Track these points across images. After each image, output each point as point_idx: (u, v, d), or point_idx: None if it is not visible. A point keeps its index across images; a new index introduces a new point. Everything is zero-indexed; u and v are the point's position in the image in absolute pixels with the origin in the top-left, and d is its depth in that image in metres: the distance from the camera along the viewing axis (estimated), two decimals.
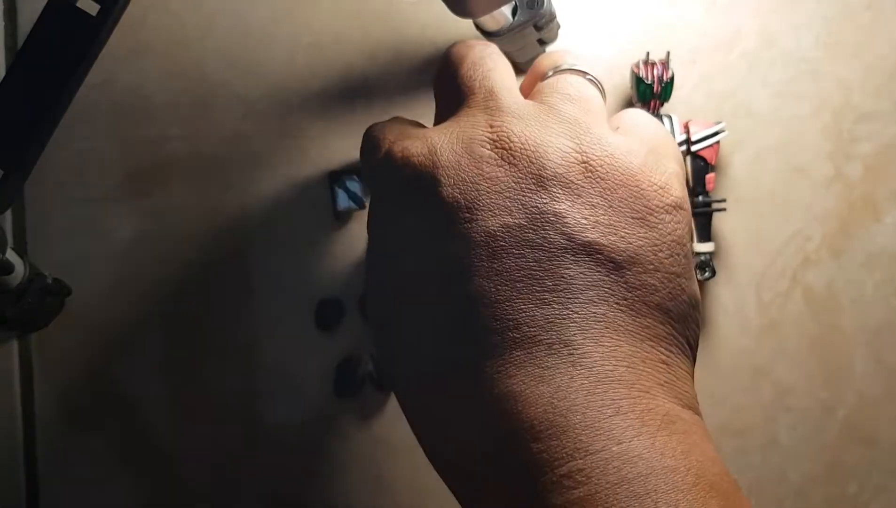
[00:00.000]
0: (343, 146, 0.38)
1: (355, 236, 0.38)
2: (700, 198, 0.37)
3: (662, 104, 0.37)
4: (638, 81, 0.36)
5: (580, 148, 0.23)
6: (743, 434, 0.38)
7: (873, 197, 0.39)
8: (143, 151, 0.38)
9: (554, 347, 0.21)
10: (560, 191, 0.23)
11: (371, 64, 0.39)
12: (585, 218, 0.22)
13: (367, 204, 0.38)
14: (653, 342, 0.22)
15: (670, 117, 0.37)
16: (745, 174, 0.38)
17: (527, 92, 0.27)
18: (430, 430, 0.24)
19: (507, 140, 0.23)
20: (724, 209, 0.37)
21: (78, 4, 0.27)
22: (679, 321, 0.23)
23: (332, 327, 0.38)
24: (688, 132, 0.37)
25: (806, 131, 0.39)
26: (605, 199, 0.23)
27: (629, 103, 0.38)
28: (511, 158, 0.23)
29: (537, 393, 0.21)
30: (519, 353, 0.21)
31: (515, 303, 0.22)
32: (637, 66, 0.37)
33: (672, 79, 0.36)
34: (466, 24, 0.35)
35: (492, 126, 0.24)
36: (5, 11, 0.38)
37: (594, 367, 0.21)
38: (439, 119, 0.27)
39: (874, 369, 0.38)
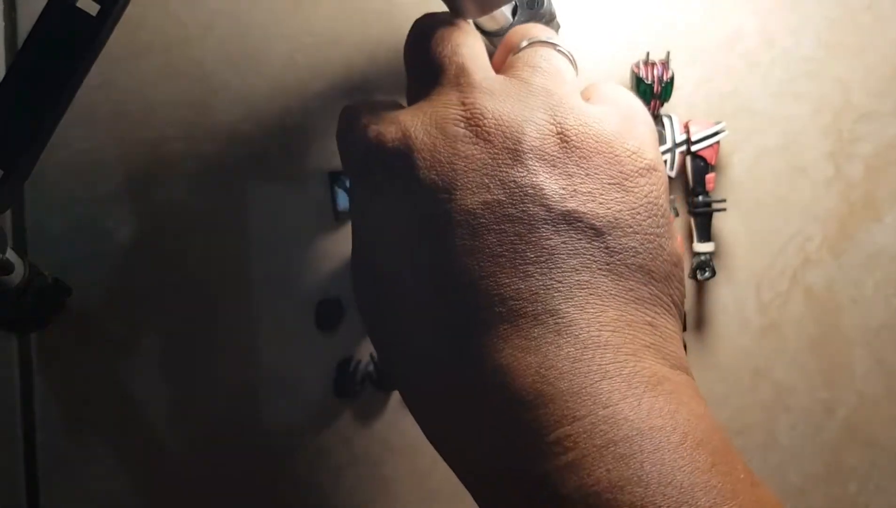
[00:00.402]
0: None
1: None
2: (700, 198, 0.37)
3: (662, 104, 0.37)
4: (638, 81, 0.36)
5: (554, 119, 0.23)
6: (743, 434, 0.38)
7: (873, 197, 0.39)
8: (143, 151, 0.38)
9: (540, 317, 0.21)
10: (536, 163, 0.23)
11: (371, 64, 0.39)
12: (563, 188, 0.23)
13: None
14: (637, 305, 0.22)
15: (670, 117, 0.37)
16: (745, 174, 0.38)
17: (498, 66, 0.27)
18: (431, 415, 0.24)
19: (481, 117, 0.23)
20: (724, 209, 0.37)
21: (78, 5, 0.27)
22: (661, 280, 0.23)
23: (332, 327, 0.38)
24: (688, 132, 0.37)
25: (806, 131, 0.39)
26: (582, 167, 0.23)
27: None
28: (486, 135, 0.23)
29: (525, 364, 0.21)
30: (506, 327, 0.21)
31: (499, 278, 0.22)
32: (637, 66, 0.37)
33: (672, 79, 0.36)
34: None
35: (464, 104, 0.24)
36: (5, 11, 0.38)
37: (580, 334, 0.21)
38: (411, 95, 0.27)
39: (874, 369, 0.38)
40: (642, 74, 0.36)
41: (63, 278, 0.37)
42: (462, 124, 0.23)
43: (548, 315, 0.21)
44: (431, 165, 0.23)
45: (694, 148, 0.37)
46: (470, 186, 0.23)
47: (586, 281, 0.22)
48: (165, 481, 0.37)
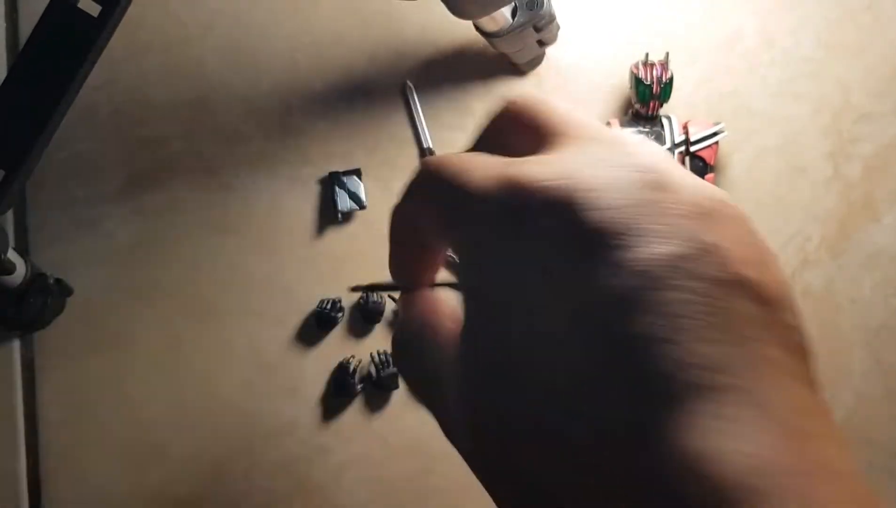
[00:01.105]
0: (343, 146, 0.38)
1: (355, 236, 0.38)
2: None
3: (662, 105, 0.37)
4: (637, 81, 0.36)
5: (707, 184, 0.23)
6: None
7: (873, 197, 0.39)
8: (144, 152, 0.38)
9: (731, 393, 0.19)
10: (714, 221, 0.22)
11: (371, 64, 0.39)
12: (735, 251, 0.21)
13: (367, 205, 0.38)
14: (811, 388, 0.21)
15: (669, 118, 0.37)
16: (745, 174, 0.38)
17: None
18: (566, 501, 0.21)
19: (653, 165, 0.22)
20: None
21: (79, 6, 0.27)
22: (810, 356, 0.22)
23: (332, 327, 0.38)
24: (687, 132, 0.37)
25: (806, 131, 0.39)
26: (736, 234, 0.22)
27: (628, 104, 0.38)
28: (665, 185, 0.22)
29: (724, 450, 0.19)
30: (695, 402, 0.19)
31: (682, 342, 0.21)
32: (636, 66, 0.37)
33: (671, 79, 0.36)
34: (466, 25, 0.35)
35: (628, 152, 0.22)
36: (6, 13, 0.38)
37: (780, 419, 0.19)
38: (497, 148, 0.25)
39: (873, 369, 0.38)
40: (641, 74, 0.36)
41: (65, 278, 0.37)
42: (633, 169, 0.22)
43: (741, 392, 0.19)
44: (603, 207, 0.21)
45: (693, 148, 0.37)
46: (649, 233, 0.21)
47: (770, 355, 0.20)
48: (166, 480, 0.38)
